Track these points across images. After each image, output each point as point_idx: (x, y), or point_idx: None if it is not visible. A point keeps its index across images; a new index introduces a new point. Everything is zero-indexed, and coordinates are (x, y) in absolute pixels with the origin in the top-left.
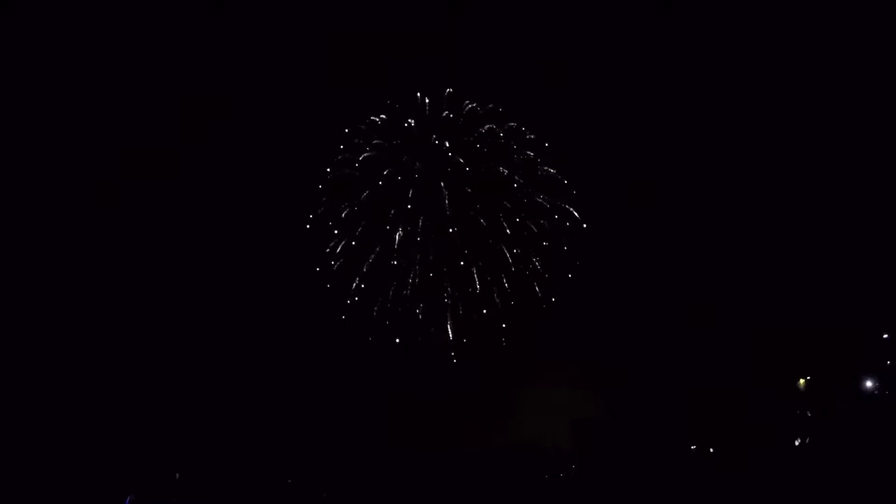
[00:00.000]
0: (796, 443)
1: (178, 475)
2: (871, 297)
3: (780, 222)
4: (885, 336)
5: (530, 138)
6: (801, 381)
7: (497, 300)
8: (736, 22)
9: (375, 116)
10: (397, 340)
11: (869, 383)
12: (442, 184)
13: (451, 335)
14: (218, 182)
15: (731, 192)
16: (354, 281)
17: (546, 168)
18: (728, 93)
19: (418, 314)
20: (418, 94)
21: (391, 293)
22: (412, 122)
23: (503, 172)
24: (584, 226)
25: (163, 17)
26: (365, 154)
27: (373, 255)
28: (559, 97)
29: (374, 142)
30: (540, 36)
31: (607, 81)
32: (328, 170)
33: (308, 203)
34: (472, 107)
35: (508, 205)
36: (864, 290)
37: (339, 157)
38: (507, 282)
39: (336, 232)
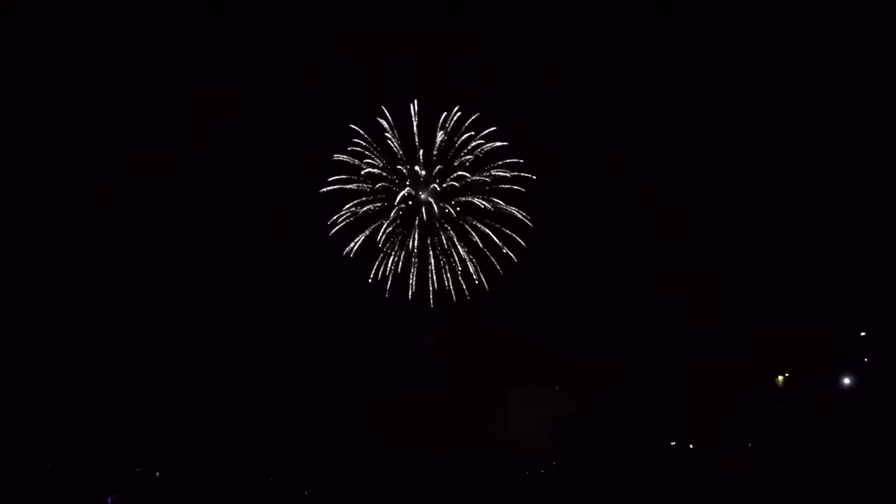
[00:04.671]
0: (777, 439)
1: (157, 474)
2: (862, 296)
3: (780, 222)
4: (863, 334)
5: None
6: (780, 377)
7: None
8: (735, 22)
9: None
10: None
11: (847, 380)
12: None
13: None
14: (218, 182)
15: (730, 192)
16: (355, 283)
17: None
18: (728, 93)
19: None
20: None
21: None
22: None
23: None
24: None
25: (163, 17)
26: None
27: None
28: (559, 98)
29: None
30: (540, 36)
31: (607, 82)
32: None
33: (307, 203)
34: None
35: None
36: (861, 290)
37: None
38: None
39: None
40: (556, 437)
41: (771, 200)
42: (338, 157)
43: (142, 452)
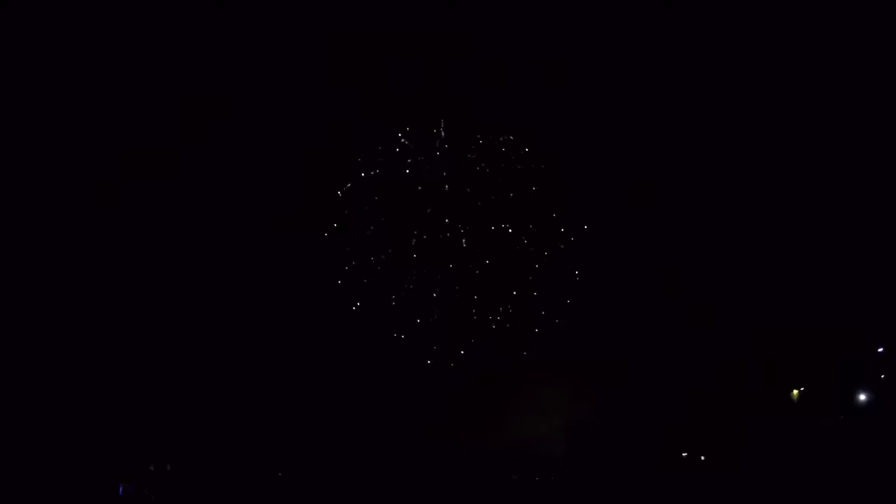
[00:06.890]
0: (790, 453)
1: (169, 467)
2: (870, 301)
3: (781, 223)
4: (881, 349)
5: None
6: (795, 392)
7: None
8: (736, 22)
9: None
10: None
11: (863, 397)
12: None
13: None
14: (218, 182)
15: (731, 193)
16: (359, 282)
17: (543, 168)
18: (728, 93)
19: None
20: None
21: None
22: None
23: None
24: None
25: (163, 17)
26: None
27: (379, 258)
28: (558, 98)
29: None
30: (540, 36)
31: (607, 82)
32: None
33: (308, 203)
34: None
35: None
36: (864, 293)
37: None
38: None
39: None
40: (569, 443)
41: (773, 201)
42: (348, 185)
43: (155, 445)
